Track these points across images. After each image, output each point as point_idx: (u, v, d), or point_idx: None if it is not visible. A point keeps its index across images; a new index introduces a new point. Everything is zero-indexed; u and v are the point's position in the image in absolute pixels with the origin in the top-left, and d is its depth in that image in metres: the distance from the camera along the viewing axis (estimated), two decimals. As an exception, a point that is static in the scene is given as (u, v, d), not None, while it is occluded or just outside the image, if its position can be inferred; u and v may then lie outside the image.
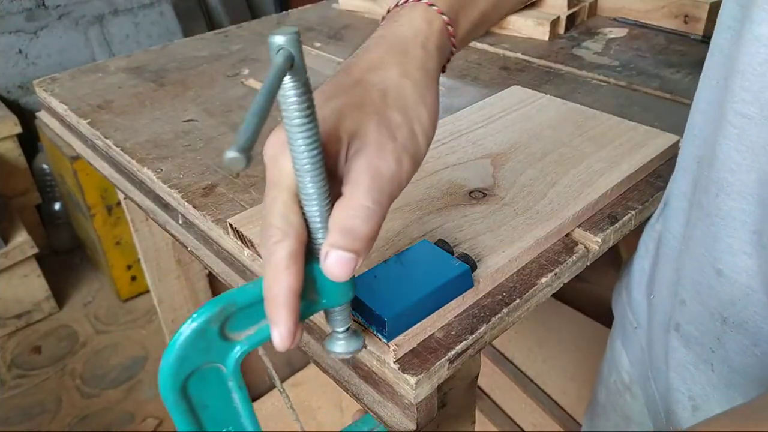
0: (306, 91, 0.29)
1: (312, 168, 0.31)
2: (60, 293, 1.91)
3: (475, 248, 0.48)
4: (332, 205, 0.33)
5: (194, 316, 0.31)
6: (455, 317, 0.45)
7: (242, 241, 0.53)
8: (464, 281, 0.44)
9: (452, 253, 0.46)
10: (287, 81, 0.29)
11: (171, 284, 1.13)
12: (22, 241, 1.67)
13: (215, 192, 0.62)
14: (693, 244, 0.45)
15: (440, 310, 0.43)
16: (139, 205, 0.71)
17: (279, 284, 0.31)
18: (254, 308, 0.33)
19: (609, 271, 1.04)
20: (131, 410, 1.54)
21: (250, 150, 0.24)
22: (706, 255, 0.43)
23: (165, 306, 1.15)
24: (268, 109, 0.26)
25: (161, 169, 0.67)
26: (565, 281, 0.51)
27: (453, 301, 0.44)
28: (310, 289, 0.33)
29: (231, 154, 0.24)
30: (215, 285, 1.21)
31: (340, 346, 0.38)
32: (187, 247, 0.63)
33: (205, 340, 0.32)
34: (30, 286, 1.77)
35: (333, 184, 0.33)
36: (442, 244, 0.47)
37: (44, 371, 1.67)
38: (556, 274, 0.49)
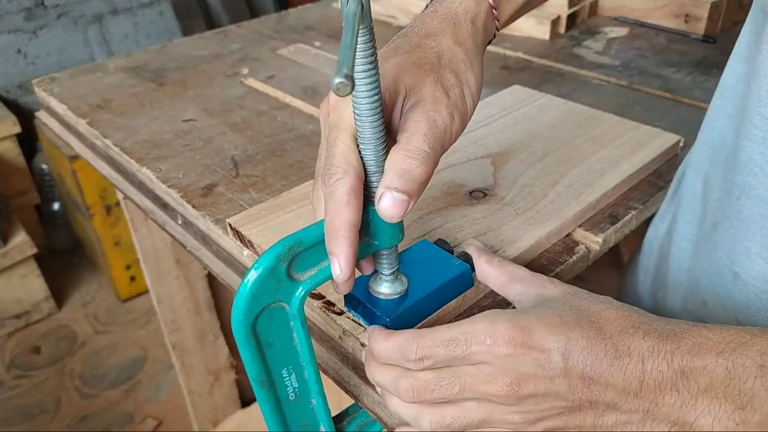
0: (371, 38, 0.31)
1: (371, 113, 0.33)
2: (59, 293, 1.91)
3: (475, 248, 0.48)
4: (387, 153, 0.35)
5: (265, 255, 0.34)
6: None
7: (242, 242, 0.53)
8: (465, 281, 0.44)
9: (452, 253, 0.45)
10: None
11: (170, 284, 1.13)
12: (21, 241, 1.67)
13: (214, 192, 0.62)
14: (710, 246, 0.45)
15: (440, 310, 0.43)
16: (138, 205, 0.71)
17: (340, 217, 0.33)
18: (317, 249, 0.36)
19: (610, 271, 1.04)
20: (130, 410, 1.54)
21: (353, 76, 0.27)
22: (724, 257, 0.43)
23: (164, 306, 1.15)
24: (356, 45, 0.29)
25: (160, 169, 0.67)
26: (566, 281, 0.51)
27: (453, 301, 0.43)
28: (363, 232, 0.36)
29: (339, 79, 0.26)
30: (214, 285, 1.21)
31: (386, 287, 0.41)
32: (186, 247, 0.63)
33: (275, 278, 0.35)
34: (29, 286, 1.77)
35: (387, 137, 0.35)
36: (442, 244, 0.46)
37: (43, 371, 1.66)
38: (556, 275, 0.49)
